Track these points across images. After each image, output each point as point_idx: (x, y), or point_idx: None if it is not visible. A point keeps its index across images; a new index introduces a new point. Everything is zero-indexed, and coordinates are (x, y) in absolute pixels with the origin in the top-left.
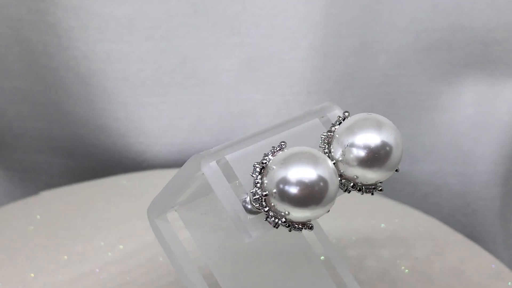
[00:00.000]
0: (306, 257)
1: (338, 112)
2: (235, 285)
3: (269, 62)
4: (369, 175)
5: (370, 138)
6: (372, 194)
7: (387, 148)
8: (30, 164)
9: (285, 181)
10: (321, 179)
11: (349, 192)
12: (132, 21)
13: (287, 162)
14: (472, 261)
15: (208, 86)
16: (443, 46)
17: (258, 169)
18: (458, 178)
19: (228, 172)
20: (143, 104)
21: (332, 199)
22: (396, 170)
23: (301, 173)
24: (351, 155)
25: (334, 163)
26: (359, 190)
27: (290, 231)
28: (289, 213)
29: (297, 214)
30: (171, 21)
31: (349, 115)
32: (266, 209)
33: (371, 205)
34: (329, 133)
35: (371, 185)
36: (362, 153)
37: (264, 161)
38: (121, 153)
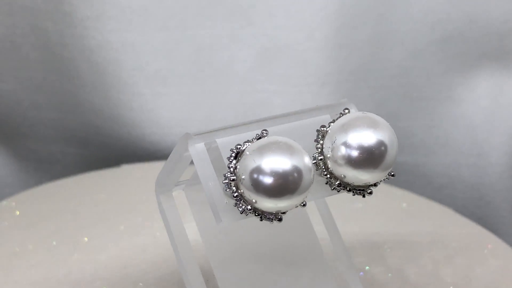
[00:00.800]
0: (311, 255)
1: (352, 110)
2: (227, 273)
3: (284, 53)
4: (358, 176)
5: (360, 137)
6: (364, 196)
7: (382, 148)
8: (44, 154)
9: (258, 170)
10: (295, 169)
11: (338, 192)
12: (147, 11)
13: (261, 150)
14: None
15: (222, 77)
16: (458, 37)
17: (234, 154)
18: (472, 170)
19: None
20: (157, 94)
21: (304, 191)
22: (393, 175)
23: (275, 162)
24: (339, 153)
25: (321, 159)
26: (349, 191)
27: (261, 220)
28: (256, 201)
29: (267, 203)
30: (186, 11)
31: (348, 112)
32: (235, 194)
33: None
34: (322, 129)
35: (361, 186)
36: (351, 153)
37: (239, 146)
38: (135, 143)
